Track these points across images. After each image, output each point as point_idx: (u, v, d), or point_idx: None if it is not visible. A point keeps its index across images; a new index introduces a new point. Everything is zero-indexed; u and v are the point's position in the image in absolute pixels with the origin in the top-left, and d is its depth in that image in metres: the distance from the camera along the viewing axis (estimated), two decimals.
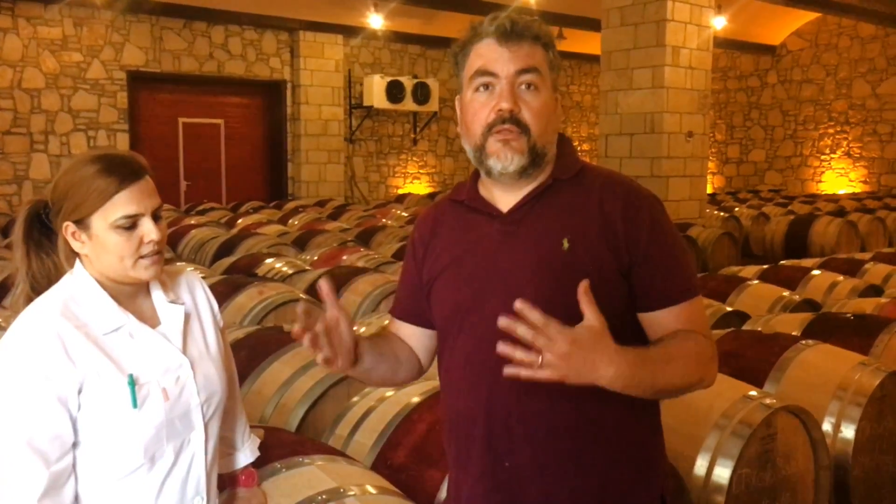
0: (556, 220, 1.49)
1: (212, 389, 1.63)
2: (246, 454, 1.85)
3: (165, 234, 1.56)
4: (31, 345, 1.43)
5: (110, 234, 1.49)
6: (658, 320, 1.49)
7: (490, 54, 1.48)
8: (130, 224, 1.50)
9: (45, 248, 1.60)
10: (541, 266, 1.44)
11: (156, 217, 1.54)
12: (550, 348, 1.26)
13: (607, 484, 1.49)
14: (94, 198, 1.48)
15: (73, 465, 1.47)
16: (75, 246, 1.53)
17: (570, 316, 1.36)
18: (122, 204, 1.49)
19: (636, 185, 1.55)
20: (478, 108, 1.49)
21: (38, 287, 1.58)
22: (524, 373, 1.28)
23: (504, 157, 1.46)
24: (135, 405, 1.47)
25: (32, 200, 1.60)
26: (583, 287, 1.29)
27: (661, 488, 1.57)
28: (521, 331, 1.26)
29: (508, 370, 1.29)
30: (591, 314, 1.30)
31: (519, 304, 1.28)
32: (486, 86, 1.48)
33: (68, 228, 1.51)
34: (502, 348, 1.27)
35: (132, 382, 1.48)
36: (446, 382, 1.59)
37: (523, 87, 1.48)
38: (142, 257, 1.52)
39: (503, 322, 1.29)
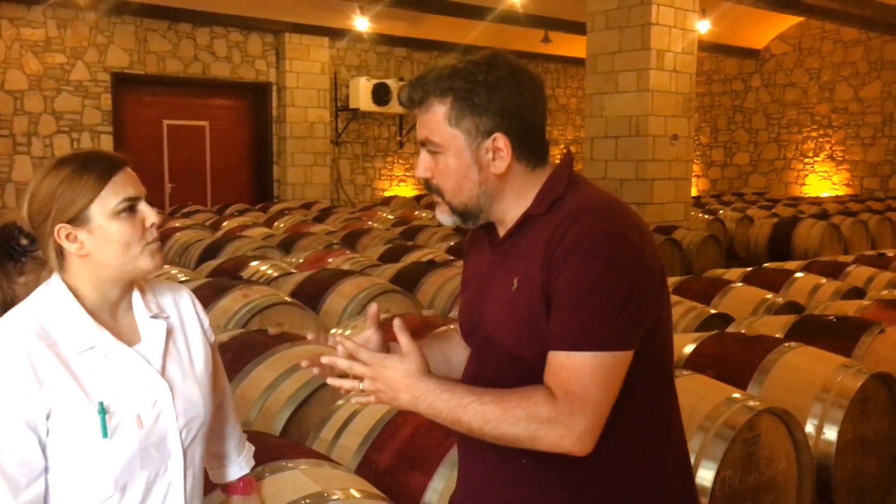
0: (514, 259, 1.47)
1: (193, 413, 1.53)
2: (241, 465, 1.81)
3: (159, 220, 1.53)
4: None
5: (113, 223, 1.44)
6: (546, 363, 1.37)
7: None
8: (131, 207, 1.46)
9: (12, 277, 1.52)
10: (499, 305, 1.48)
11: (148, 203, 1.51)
12: (365, 373, 1.39)
13: None
14: (88, 189, 1.43)
15: (46, 493, 1.39)
16: (71, 248, 1.45)
17: (515, 355, 1.43)
18: (120, 188, 1.45)
19: (600, 221, 1.38)
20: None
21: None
22: (361, 399, 1.42)
23: (441, 217, 1.53)
24: (105, 435, 1.38)
25: None
26: (396, 322, 1.39)
27: None
28: (341, 363, 1.40)
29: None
30: (403, 342, 1.40)
31: (332, 341, 1.45)
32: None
33: (62, 231, 1.44)
34: (331, 381, 1.43)
35: (102, 411, 1.39)
36: None
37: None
38: (148, 244, 1.47)
39: (324, 360, 1.43)
